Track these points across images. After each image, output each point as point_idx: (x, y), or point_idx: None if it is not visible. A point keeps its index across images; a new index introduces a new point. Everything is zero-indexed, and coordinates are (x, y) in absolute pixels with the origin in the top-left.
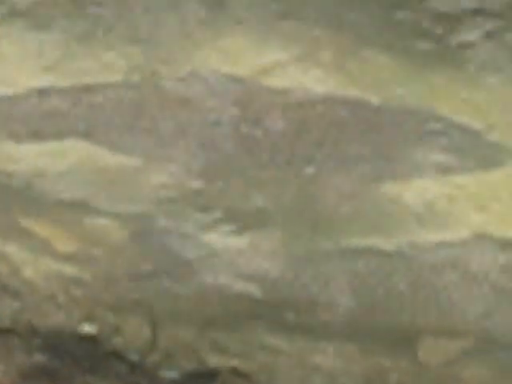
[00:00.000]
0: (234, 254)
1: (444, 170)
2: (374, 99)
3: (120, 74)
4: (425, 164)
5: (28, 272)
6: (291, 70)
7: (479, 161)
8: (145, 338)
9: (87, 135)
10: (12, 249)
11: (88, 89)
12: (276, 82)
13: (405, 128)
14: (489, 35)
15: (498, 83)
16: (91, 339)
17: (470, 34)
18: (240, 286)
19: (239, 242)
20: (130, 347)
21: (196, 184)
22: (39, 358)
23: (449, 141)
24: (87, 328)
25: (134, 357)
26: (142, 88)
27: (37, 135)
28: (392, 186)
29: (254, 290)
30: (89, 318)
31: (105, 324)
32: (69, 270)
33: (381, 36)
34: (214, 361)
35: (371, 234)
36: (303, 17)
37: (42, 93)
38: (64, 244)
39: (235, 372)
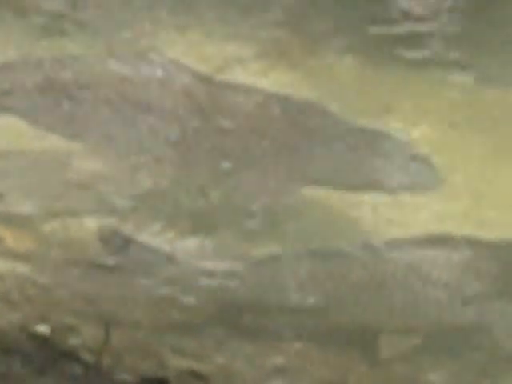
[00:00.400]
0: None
1: None
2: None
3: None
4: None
5: None
6: (248, 67)
7: None
8: (99, 339)
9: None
10: None
11: None
12: (229, 78)
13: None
14: None
15: None
16: (44, 340)
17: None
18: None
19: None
20: (85, 348)
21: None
22: None
23: None
24: (41, 328)
25: (88, 358)
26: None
27: None
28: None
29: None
30: (42, 319)
31: (59, 324)
32: (23, 268)
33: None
34: (170, 363)
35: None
36: (265, 17)
37: None
38: (17, 242)
39: (192, 374)
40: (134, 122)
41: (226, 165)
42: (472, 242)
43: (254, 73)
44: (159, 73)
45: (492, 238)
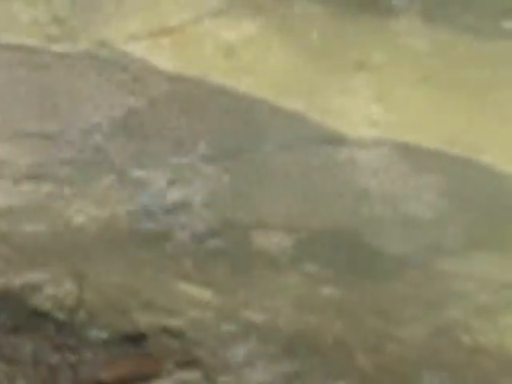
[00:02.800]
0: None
1: None
2: None
3: None
4: None
5: None
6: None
7: None
8: (72, 297)
9: None
10: None
11: None
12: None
13: None
14: None
15: None
16: (15, 298)
17: None
18: None
19: None
20: (58, 305)
21: None
22: None
23: None
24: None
25: (61, 315)
26: None
27: None
28: None
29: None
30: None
31: (31, 282)
32: None
33: None
34: (142, 319)
35: None
36: None
37: None
38: None
39: (165, 330)
40: None
41: None
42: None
43: (222, 24)
44: None
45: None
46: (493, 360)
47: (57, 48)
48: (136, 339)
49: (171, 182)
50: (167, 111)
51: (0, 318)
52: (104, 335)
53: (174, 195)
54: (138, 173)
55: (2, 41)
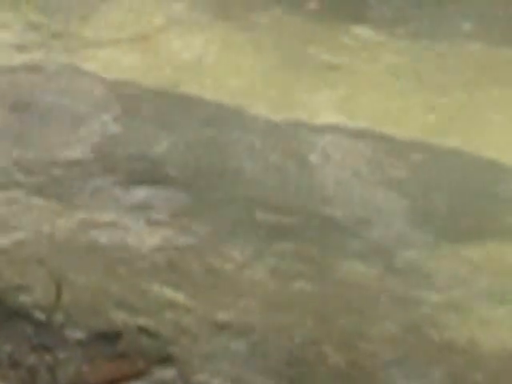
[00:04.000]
0: None
1: None
2: None
3: None
4: None
5: None
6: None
7: None
8: (50, 297)
9: None
10: None
11: None
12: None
13: None
14: None
15: None
16: None
17: None
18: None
19: None
20: (36, 306)
21: None
22: None
23: None
24: None
25: (39, 316)
26: None
27: None
28: None
29: None
30: None
31: (9, 282)
32: None
33: None
34: (119, 318)
35: None
36: None
37: None
38: None
39: (141, 330)
40: None
41: None
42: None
43: (191, 30)
44: None
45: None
46: (463, 355)
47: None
48: (112, 338)
49: None
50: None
51: None
52: (81, 335)
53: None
54: None
55: None
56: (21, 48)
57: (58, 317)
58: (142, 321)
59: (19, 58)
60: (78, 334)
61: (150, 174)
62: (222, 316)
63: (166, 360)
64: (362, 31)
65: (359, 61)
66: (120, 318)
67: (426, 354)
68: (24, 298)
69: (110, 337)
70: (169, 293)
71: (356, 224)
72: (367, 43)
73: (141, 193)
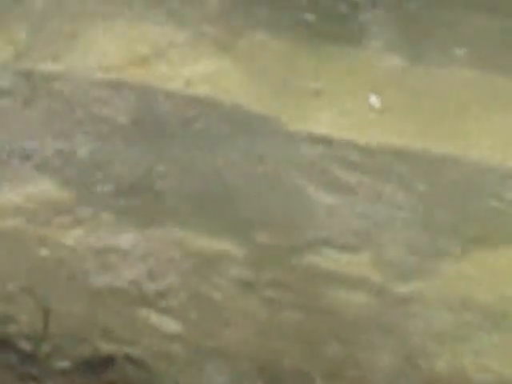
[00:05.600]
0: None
1: None
2: None
3: None
4: None
5: None
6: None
7: None
8: (37, 327)
9: None
10: None
11: None
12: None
13: None
14: None
15: None
16: None
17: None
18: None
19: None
20: (22, 336)
21: None
22: None
23: None
24: None
25: (25, 346)
26: None
27: None
28: None
29: None
30: None
31: None
32: None
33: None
34: (106, 348)
35: None
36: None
37: None
38: None
39: (128, 359)
40: None
41: None
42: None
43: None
44: None
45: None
46: None
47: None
48: (99, 368)
49: None
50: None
51: None
52: (67, 364)
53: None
54: None
55: None
56: None
57: (45, 346)
58: (128, 349)
59: None
60: (65, 364)
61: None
62: (211, 344)
63: None
64: (352, 56)
65: (346, 85)
66: (106, 346)
67: (415, 383)
68: (10, 327)
69: (96, 366)
70: (156, 321)
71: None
72: (357, 67)
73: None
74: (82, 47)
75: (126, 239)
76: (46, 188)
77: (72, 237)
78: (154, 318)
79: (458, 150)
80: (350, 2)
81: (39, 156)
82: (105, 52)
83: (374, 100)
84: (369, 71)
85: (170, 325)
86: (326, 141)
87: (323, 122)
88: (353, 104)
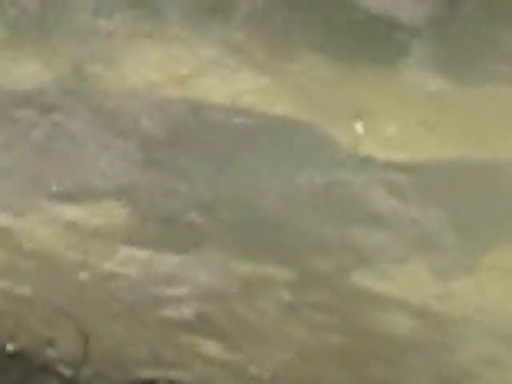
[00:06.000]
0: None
1: None
2: None
3: None
4: None
5: None
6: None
7: None
8: (78, 352)
9: None
10: None
11: None
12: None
13: None
14: None
15: None
16: (21, 354)
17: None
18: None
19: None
20: (63, 361)
21: None
22: None
23: None
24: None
25: (66, 371)
26: None
27: None
28: None
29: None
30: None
31: (37, 337)
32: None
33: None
34: (149, 373)
35: None
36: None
37: None
38: None
39: (171, 383)
40: None
41: None
42: None
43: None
44: None
45: None
46: None
47: None
48: None
49: None
50: None
51: (9, 375)
52: None
53: None
54: None
55: None
56: None
57: (86, 371)
58: (171, 374)
59: None
60: None
61: None
62: (254, 368)
63: None
64: (394, 74)
65: (389, 106)
66: (150, 372)
67: None
68: (51, 352)
69: None
70: (199, 345)
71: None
72: (398, 88)
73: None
74: (121, 66)
75: (170, 264)
76: (85, 214)
77: (112, 262)
78: (197, 342)
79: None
80: (390, 24)
81: None
82: (143, 71)
83: (359, 127)
84: (410, 91)
85: (213, 349)
86: (371, 162)
87: (367, 144)
88: (395, 125)
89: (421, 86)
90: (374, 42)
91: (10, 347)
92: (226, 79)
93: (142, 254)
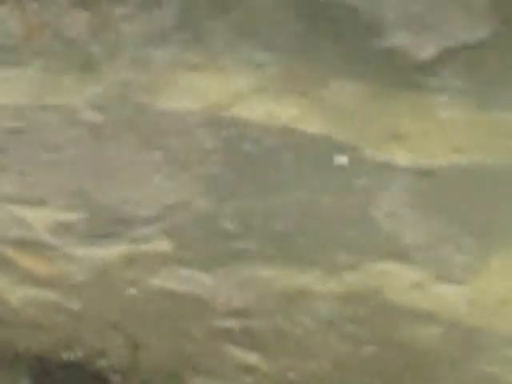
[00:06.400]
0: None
1: None
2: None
3: None
4: None
5: (13, 299)
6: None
7: None
8: (127, 361)
9: None
10: None
11: None
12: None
13: None
14: None
15: None
16: (74, 364)
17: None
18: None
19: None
20: (114, 370)
21: None
22: None
23: None
24: (67, 355)
25: (116, 379)
26: None
27: None
28: None
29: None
30: (72, 342)
31: (89, 347)
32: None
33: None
34: (194, 382)
35: None
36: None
37: None
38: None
39: None
40: None
41: None
42: None
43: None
44: None
45: None
46: None
47: None
48: None
49: None
50: None
51: (64, 383)
52: None
53: None
54: None
55: None
56: None
57: (135, 381)
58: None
59: None
60: None
61: None
62: (292, 378)
63: None
64: (422, 99)
65: (422, 130)
66: (196, 381)
67: None
68: (102, 363)
69: None
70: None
71: None
72: (427, 113)
73: None
74: (173, 93)
75: (212, 277)
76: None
77: (158, 277)
78: (239, 353)
79: None
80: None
81: None
82: (194, 96)
83: (343, 159)
84: (439, 113)
85: (254, 360)
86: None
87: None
88: (427, 147)
89: (449, 107)
90: (405, 68)
91: (65, 357)
92: (266, 103)
93: (187, 271)
